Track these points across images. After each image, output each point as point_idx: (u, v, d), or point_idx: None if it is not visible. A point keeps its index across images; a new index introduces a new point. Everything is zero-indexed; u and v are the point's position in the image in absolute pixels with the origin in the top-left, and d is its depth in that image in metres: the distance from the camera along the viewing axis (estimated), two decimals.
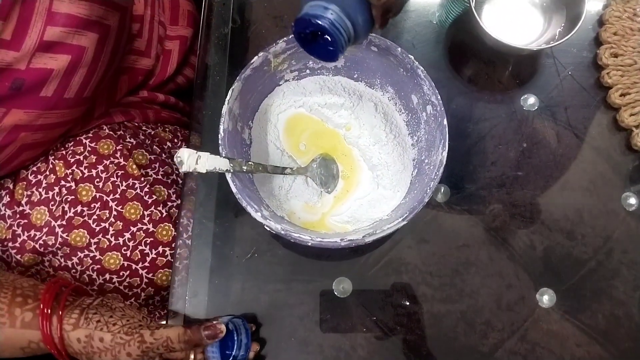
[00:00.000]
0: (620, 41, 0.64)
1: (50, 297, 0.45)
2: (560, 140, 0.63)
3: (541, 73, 0.65)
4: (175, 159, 0.46)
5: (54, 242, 0.59)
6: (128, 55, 0.66)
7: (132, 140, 0.65)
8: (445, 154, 0.50)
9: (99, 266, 0.60)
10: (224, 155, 0.50)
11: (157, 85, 0.73)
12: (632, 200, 0.62)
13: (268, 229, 0.49)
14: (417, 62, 0.52)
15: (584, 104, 0.64)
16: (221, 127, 0.51)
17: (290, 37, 0.53)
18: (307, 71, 0.59)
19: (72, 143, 0.63)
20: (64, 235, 0.59)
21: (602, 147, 0.63)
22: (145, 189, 0.62)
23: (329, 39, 0.39)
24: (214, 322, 0.49)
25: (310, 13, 0.38)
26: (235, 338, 0.52)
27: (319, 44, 0.41)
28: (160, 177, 0.65)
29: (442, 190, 0.62)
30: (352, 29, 0.39)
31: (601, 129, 0.64)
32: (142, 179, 0.62)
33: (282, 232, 0.48)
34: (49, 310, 0.44)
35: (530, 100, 0.64)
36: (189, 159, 0.46)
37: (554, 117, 0.64)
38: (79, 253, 0.60)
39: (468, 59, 0.66)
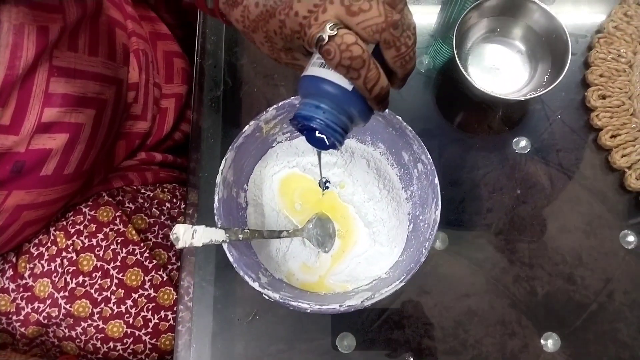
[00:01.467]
0: (607, 82, 0.64)
1: None
2: (553, 184, 0.64)
3: (531, 118, 0.66)
4: (171, 236, 0.46)
5: (57, 313, 0.60)
6: (125, 121, 0.67)
7: (130, 205, 0.66)
8: (438, 212, 0.51)
9: (102, 335, 0.60)
10: (219, 225, 0.51)
11: (154, 144, 0.74)
12: (631, 238, 0.62)
13: (266, 297, 0.50)
14: (405, 123, 0.53)
15: (575, 146, 0.65)
16: (216, 197, 0.51)
17: (280, 103, 0.54)
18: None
19: (72, 213, 0.64)
20: (67, 306, 0.60)
21: (596, 188, 0.64)
22: (146, 254, 0.63)
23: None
24: None
25: (302, 114, 0.37)
26: None
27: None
28: (159, 240, 0.65)
29: (440, 237, 0.62)
30: (349, 121, 0.38)
31: (594, 170, 0.64)
32: (142, 244, 0.63)
33: (281, 300, 0.49)
34: None
35: (522, 143, 0.65)
36: (185, 235, 0.47)
37: (546, 160, 0.65)
38: (82, 323, 0.60)
39: (457, 107, 0.67)
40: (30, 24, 0.46)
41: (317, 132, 0.38)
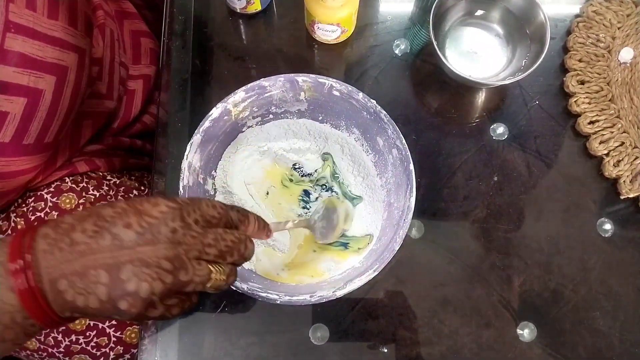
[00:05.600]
0: (585, 68, 0.63)
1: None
2: (531, 171, 0.63)
3: (509, 103, 0.65)
4: None
5: None
6: (90, 99, 0.64)
7: (95, 192, 0.63)
8: (412, 200, 0.49)
9: (63, 327, 0.58)
10: None
11: (122, 127, 0.71)
12: (607, 226, 0.61)
13: (234, 288, 0.48)
14: (379, 107, 0.51)
15: (553, 133, 0.64)
16: (180, 183, 0.49)
17: (249, 85, 0.52)
18: (270, 116, 0.58)
19: (33, 199, 0.60)
20: None
21: (574, 175, 0.63)
22: None
23: None
24: None
25: None
26: None
27: None
28: None
29: (416, 225, 0.60)
30: None
31: (572, 157, 0.63)
32: None
33: (249, 291, 0.47)
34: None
35: (500, 130, 0.64)
36: None
37: (524, 146, 0.63)
38: None
39: (434, 92, 0.65)
40: None
41: None
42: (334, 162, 0.58)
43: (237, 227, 0.40)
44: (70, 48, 0.54)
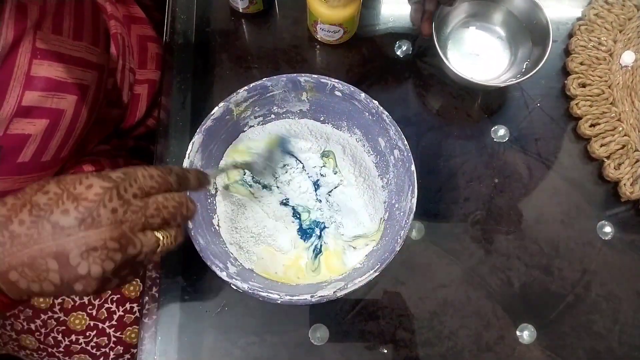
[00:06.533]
0: (587, 71, 0.63)
1: None
2: (532, 173, 0.63)
3: (510, 106, 0.65)
4: None
5: None
6: (101, 107, 0.64)
7: None
8: (414, 201, 0.49)
9: (64, 327, 0.58)
10: None
11: (126, 130, 0.71)
12: (608, 229, 0.61)
13: (234, 287, 0.48)
14: (381, 107, 0.51)
15: (554, 135, 0.64)
16: None
17: (251, 85, 0.52)
18: (272, 116, 0.58)
19: None
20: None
21: (574, 178, 0.63)
22: None
23: None
24: None
25: None
26: None
27: None
28: None
29: (417, 226, 0.61)
30: None
31: (573, 159, 0.63)
32: None
33: (250, 291, 0.47)
34: None
35: (501, 132, 0.64)
36: None
37: (525, 149, 0.63)
38: (42, 315, 0.57)
39: (436, 93, 0.65)
40: (8, 2, 0.44)
41: None
42: (335, 161, 0.58)
43: (177, 189, 0.40)
44: (91, 67, 0.54)
